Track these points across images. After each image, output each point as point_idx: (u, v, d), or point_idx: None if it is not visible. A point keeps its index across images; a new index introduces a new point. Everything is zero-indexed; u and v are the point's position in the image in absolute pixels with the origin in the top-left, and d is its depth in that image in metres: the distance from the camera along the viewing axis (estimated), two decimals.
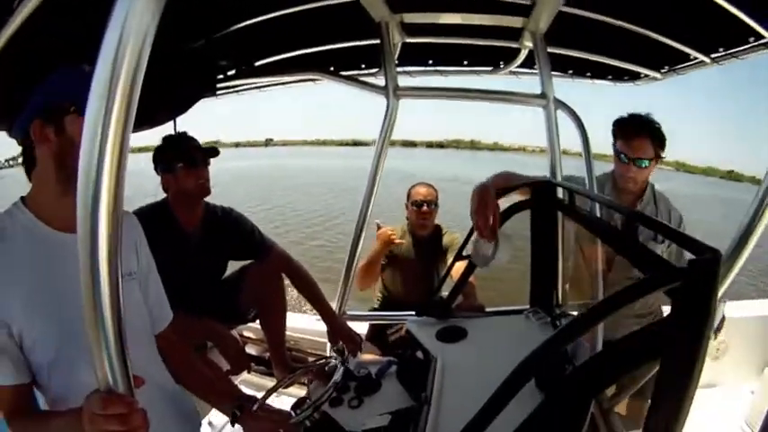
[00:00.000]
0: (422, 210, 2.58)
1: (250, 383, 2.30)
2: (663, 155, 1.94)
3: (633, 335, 0.65)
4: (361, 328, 2.49)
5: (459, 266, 1.62)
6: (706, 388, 2.91)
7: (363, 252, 2.26)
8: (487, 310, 1.95)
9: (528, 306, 1.66)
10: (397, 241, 2.50)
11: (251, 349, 2.83)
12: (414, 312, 1.64)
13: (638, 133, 1.87)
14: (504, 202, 1.47)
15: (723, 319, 1.87)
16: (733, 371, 2.89)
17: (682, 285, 0.60)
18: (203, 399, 1.34)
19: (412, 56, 2.43)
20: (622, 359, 0.66)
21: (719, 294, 1.00)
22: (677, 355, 0.61)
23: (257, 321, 2.24)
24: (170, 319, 1.29)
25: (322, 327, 2.03)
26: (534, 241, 1.62)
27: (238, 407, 1.18)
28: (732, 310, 2.99)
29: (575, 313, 1.51)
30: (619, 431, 1.07)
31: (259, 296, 2.14)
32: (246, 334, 2.86)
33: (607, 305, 0.67)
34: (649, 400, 0.65)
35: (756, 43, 1.75)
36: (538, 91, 1.93)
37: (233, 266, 2.21)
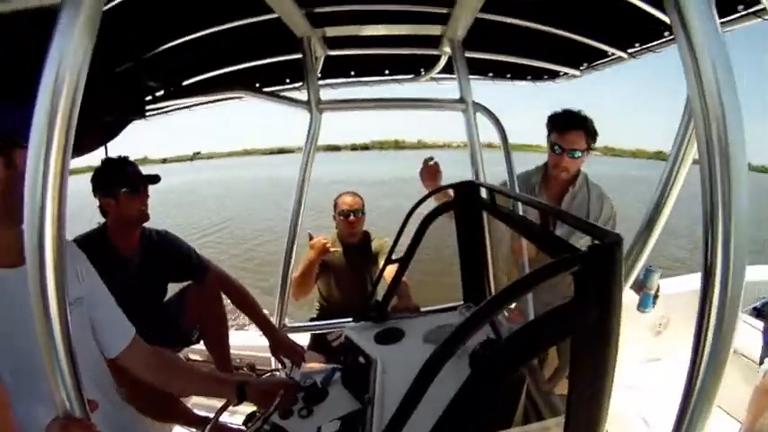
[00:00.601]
0: (349, 219, 2.64)
1: (200, 405, 2.27)
2: (594, 146, 2.10)
3: (545, 315, 0.69)
4: (303, 338, 2.51)
5: (391, 270, 1.67)
6: (652, 362, 3.14)
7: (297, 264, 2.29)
8: (423, 309, 2.00)
9: (462, 302, 1.74)
10: (332, 249, 2.53)
11: None
12: (351, 318, 1.68)
13: (571, 127, 2.02)
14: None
15: (656, 296, 1.97)
16: (676, 344, 3.06)
17: (582, 269, 0.65)
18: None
19: (335, 68, 2.48)
20: (537, 338, 0.71)
21: (634, 272, 1.11)
22: (586, 334, 0.66)
23: (201, 342, 2.23)
24: (132, 334, 1.29)
25: (265, 342, 2.03)
26: (461, 240, 1.70)
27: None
28: (675, 286, 3.26)
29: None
30: (559, 410, 1.13)
31: (201, 317, 2.13)
32: (192, 356, 2.80)
33: (515, 289, 0.73)
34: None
35: (671, 37, 1.84)
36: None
37: (173, 289, 2.19)
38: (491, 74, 2.69)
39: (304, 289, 2.57)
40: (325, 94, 1.98)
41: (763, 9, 1.24)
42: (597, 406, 0.68)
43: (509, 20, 1.86)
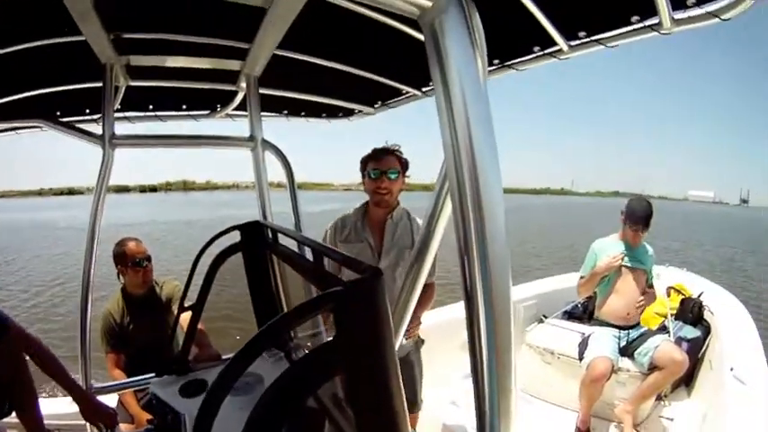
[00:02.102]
0: (144, 267, 2.50)
1: None
2: (408, 174, 2.24)
3: (315, 349, 0.67)
4: (112, 398, 2.31)
5: (186, 316, 1.55)
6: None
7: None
8: (224, 357, 1.88)
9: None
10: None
11: None
12: (154, 374, 1.53)
13: (384, 153, 2.17)
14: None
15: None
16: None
17: (340, 303, 0.64)
18: None
19: (134, 100, 2.32)
20: (309, 373, 0.68)
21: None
22: (355, 367, 0.65)
23: (13, 414, 1.89)
24: None
25: (76, 407, 1.81)
26: (252, 282, 1.64)
27: None
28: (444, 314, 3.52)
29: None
30: None
31: (7, 384, 1.80)
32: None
33: (276, 326, 0.70)
34: None
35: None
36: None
37: None
38: (286, 111, 2.70)
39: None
40: (123, 128, 1.83)
41: (659, 23, 1.32)
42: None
43: (305, 58, 1.87)
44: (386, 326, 0.66)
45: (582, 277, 3.19)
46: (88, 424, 1.85)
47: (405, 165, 2.22)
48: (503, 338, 0.63)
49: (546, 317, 3.59)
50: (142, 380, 2.15)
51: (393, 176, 2.16)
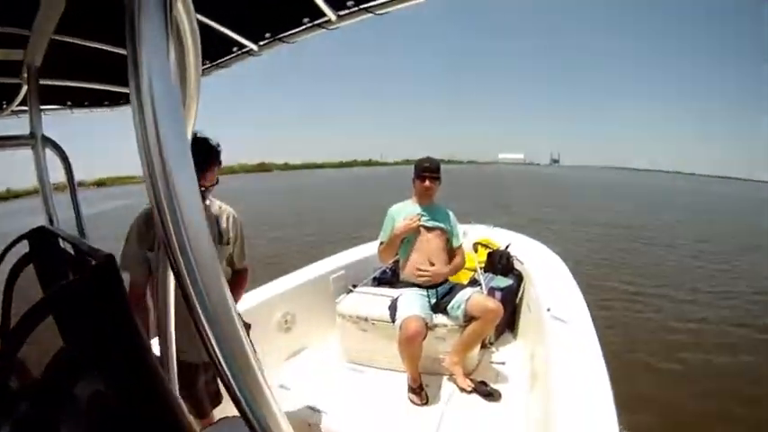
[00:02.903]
0: None
1: None
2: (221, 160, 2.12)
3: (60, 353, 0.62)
4: None
5: None
6: (292, 357, 3.42)
7: None
8: None
9: None
10: None
11: None
12: None
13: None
14: None
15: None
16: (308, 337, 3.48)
17: (84, 289, 0.59)
18: None
19: None
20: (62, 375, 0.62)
21: None
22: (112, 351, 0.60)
23: None
24: None
25: None
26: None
27: None
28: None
29: None
30: None
31: None
32: None
33: (19, 328, 0.62)
34: None
35: (239, 53, 1.89)
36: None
37: None
38: (69, 102, 2.40)
39: None
40: None
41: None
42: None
43: (84, 42, 1.64)
44: (126, 308, 0.61)
45: (382, 243, 3.23)
46: None
47: (216, 154, 2.08)
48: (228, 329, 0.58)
49: (356, 286, 3.63)
50: None
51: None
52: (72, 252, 1.02)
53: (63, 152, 1.81)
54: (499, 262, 3.98)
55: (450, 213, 3.31)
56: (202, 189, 2.07)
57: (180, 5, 0.67)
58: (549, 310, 2.71)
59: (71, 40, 1.61)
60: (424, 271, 3.08)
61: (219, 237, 2.15)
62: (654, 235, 14.76)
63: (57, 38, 1.52)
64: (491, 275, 3.80)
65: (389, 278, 3.86)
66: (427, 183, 3.15)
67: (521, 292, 3.76)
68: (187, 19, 0.71)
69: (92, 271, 0.60)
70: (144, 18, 0.52)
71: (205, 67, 2.00)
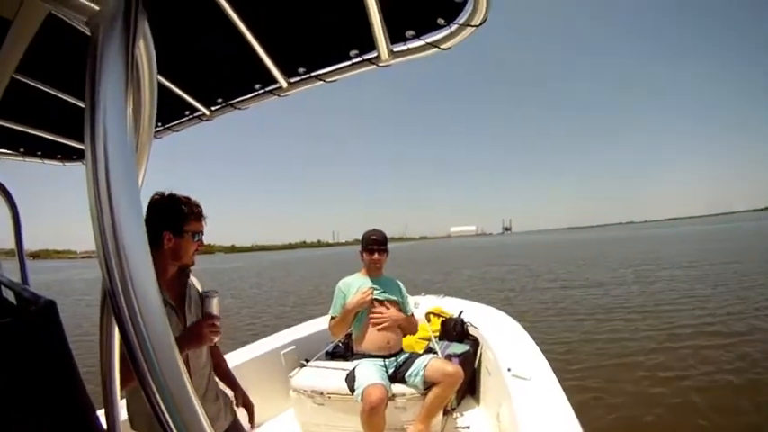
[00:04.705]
0: None
1: None
2: None
3: None
4: None
5: None
6: None
7: None
8: None
9: None
10: None
11: None
12: None
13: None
14: None
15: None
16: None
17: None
18: None
19: None
20: None
21: None
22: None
23: None
24: None
25: None
26: None
27: None
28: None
29: None
30: None
31: None
32: None
33: None
34: None
35: (191, 117, 1.88)
36: None
37: None
38: (22, 149, 2.25)
39: None
40: None
41: (377, 57, 1.34)
42: None
43: (44, 87, 1.56)
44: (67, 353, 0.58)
45: (333, 317, 3.17)
46: None
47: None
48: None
49: (308, 360, 3.54)
50: None
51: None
52: (14, 301, 0.92)
53: (11, 196, 1.75)
54: (454, 329, 3.96)
55: (401, 284, 3.32)
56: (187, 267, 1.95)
57: (143, 50, 0.64)
58: (509, 370, 2.67)
59: (33, 84, 1.54)
60: (380, 314, 3.06)
61: (200, 295, 2.00)
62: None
63: (18, 77, 1.45)
64: (446, 343, 3.78)
65: (342, 352, 3.79)
66: (375, 255, 3.17)
67: (478, 356, 3.74)
68: (148, 71, 0.69)
69: (29, 315, 0.56)
70: (105, 60, 0.50)
71: (157, 129, 1.96)
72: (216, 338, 1.80)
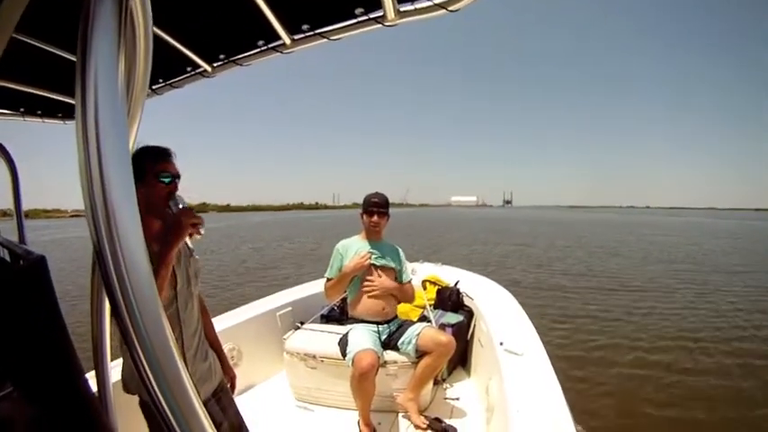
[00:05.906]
0: None
1: None
2: None
3: None
4: None
5: None
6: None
7: None
8: None
9: None
10: None
11: None
12: None
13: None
14: None
15: None
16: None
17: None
18: None
19: None
20: None
21: None
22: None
23: None
24: None
25: None
26: None
27: None
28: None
29: None
30: None
31: None
32: None
33: None
34: None
35: (193, 73, 1.85)
36: None
37: None
38: (22, 109, 2.21)
39: None
40: None
41: (383, 16, 1.31)
42: None
43: (45, 46, 1.53)
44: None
45: (329, 279, 3.14)
46: None
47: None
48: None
49: (303, 323, 3.57)
50: None
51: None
52: (8, 258, 0.91)
53: (9, 156, 1.72)
54: (449, 299, 3.97)
55: (400, 250, 3.29)
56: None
57: (137, 2, 0.62)
58: (501, 344, 2.69)
59: (33, 42, 1.50)
60: (372, 282, 3.04)
61: (189, 249, 1.84)
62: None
63: (18, 36, 1.41)
64: (441, 312, 3.80)
65: (337, 315, 3.81)
66: (375, 218, 3.12)
67: (472, 327, 3.76)
68: (143, 23, 0.67)
69: (18, 272, 0.55)
70: (98, 14, 0.47)
71: (158, 85, 1.93)
72: (200, 232, 1.56)
